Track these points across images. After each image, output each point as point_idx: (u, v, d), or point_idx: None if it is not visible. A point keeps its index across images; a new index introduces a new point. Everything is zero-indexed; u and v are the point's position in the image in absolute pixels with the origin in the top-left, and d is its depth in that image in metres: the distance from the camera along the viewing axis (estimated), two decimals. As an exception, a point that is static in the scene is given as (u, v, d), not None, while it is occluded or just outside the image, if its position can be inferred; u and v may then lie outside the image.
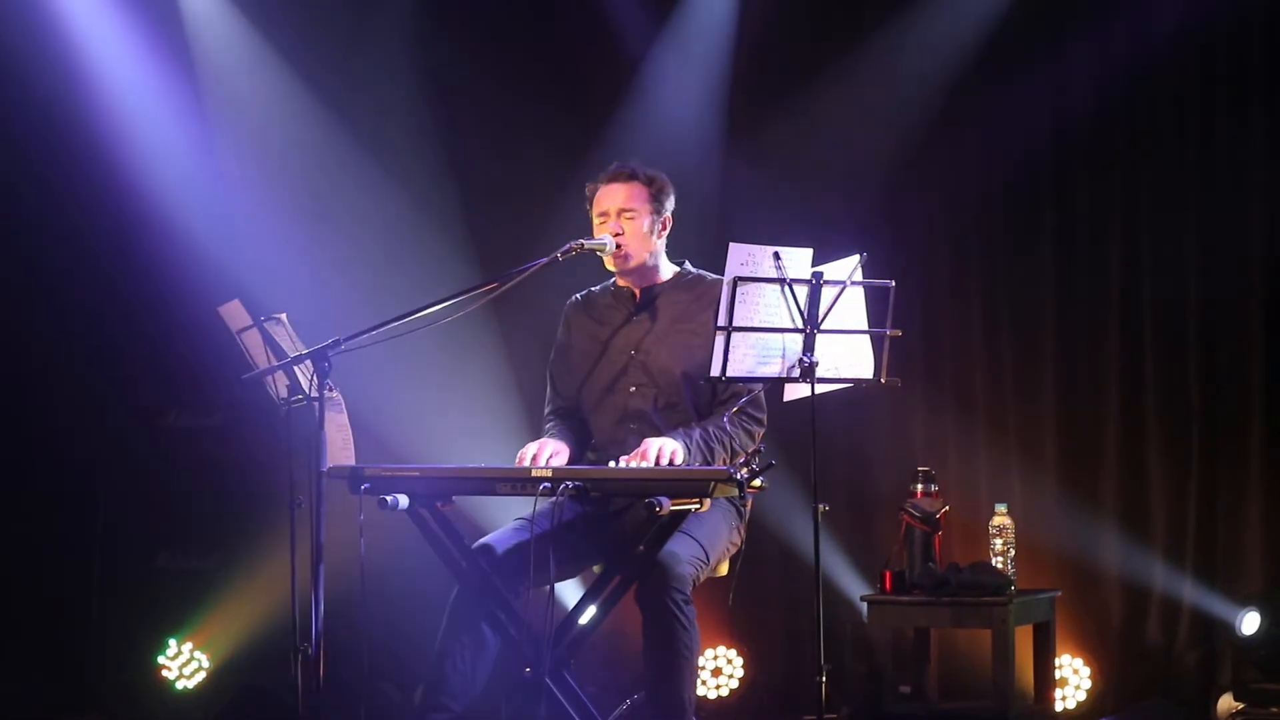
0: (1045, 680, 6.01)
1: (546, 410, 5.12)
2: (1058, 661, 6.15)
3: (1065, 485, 6.43)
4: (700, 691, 6.52)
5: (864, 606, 6.00)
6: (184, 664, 6.95)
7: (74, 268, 6.99)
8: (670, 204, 5.02)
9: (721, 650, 6.67)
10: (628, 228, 4.93)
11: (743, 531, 4.89)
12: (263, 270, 6.60)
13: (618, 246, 4.91)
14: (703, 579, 4.74)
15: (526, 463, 4.68)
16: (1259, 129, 6.24)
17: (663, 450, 4.59)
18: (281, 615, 5.53)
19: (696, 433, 4.76)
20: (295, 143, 7.00)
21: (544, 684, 4.53)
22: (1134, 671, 6.31)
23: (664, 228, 5.00)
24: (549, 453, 4.75)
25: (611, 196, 4.96)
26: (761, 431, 4.90)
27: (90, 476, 7.03)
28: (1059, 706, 6.14)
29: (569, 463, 4.79)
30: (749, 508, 4.91)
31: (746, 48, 6.78)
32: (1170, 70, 6.34)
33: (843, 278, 4.51)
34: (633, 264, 4.96)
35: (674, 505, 4.35)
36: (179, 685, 6.94)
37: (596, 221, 4.98)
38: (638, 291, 5.03)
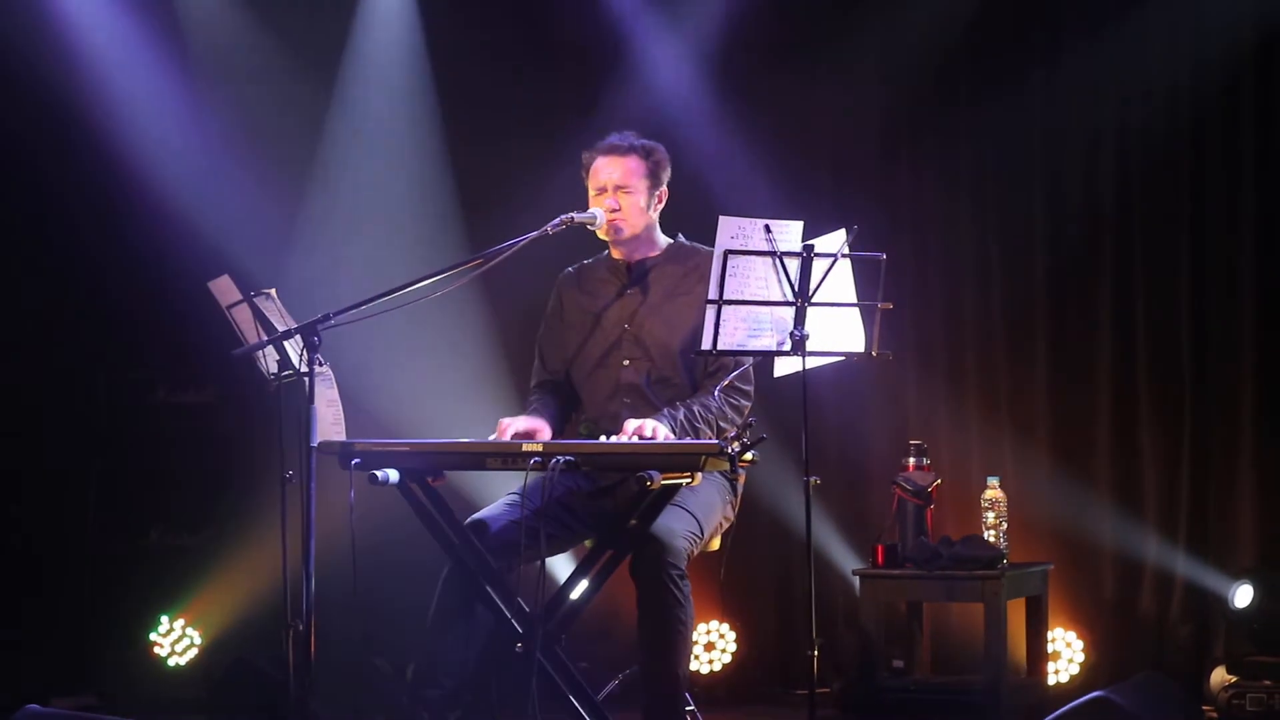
0: (1038, 653, 6.02)
1: (532, 383, 5.10)
2: (1050, 635, 6.16)
3: (1058, 458, 6.42)
4: (693, 666, 6.52)
5: (856, 580, 6.01)
6: (176, 641, 6.94)
7: (62, 243, 6.97)
8: (667, 175, 4.99)
9: (714, 625, 6.67)
10: (624, 202, 4.90)
11: (736, 507, 4.88)
12: (252, 245, 6.58)
13: (609, 221, 4.89)
14: (696, 553, 4.73)
15: (507, 435, 4.66)
16: (1250, 107, 6.23)
17: (643, 429, 4.57)
18: (273, 591, 5.52)
19: (681, 412, 4.73)
20: (285, 117, 6.97)
21: (536, 659, 4.52)
22: (1127, 645, 6.31)
23: (659, 200, 4.97)
24: (525, 428, 4.72)
25: (609, 170, 4.92)
26: (748, 406, 4.87)
27: (81, 453, 7.01)
28: (1051, 680, 6.15)
29: (555, 438, 4.77)
30: (742, 483, 4.89)
31: (738, 20, 6.75)
32: (1164, 58, 6.33)
33: (833, 251, 4.49)
34: (626, 237, 4.93)
35: (665, 479, 4.34)
36: (171, 662, 6.93)
37: (592, 193, 4.95)
38: (631, 264, 5.00)
